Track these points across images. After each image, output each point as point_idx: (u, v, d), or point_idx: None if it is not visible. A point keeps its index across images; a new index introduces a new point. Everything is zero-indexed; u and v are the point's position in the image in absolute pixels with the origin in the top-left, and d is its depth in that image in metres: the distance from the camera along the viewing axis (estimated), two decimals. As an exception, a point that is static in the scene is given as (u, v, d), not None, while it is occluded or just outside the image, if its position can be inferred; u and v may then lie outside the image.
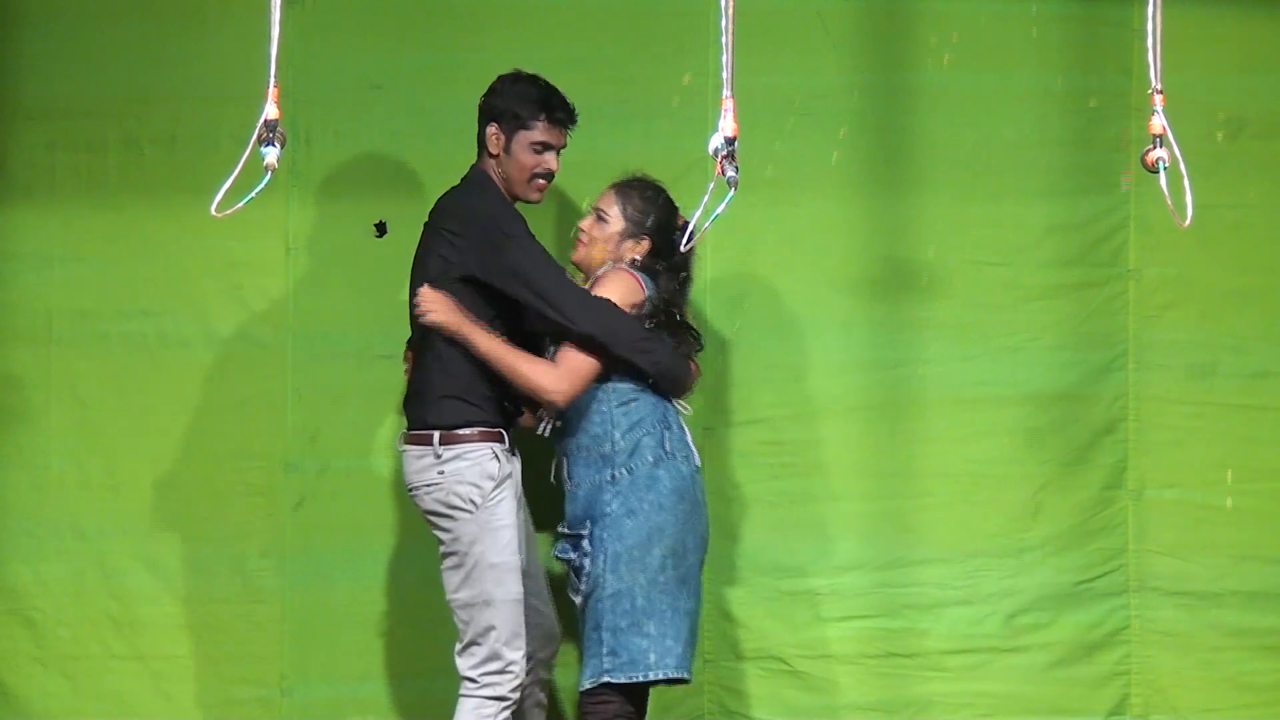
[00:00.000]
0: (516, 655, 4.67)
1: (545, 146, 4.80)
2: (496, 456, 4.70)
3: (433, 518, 4.74)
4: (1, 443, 5.39)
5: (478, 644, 4.67)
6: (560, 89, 4.83)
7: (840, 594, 5.39)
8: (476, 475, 4.68)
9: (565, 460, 4.81)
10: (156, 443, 5.39)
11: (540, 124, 4.79)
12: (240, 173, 3.51)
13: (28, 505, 5.40)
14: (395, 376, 5.22)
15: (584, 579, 4.70)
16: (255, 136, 3.54)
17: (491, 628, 4.66)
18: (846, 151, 5.41)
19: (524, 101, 4.78)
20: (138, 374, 5.39)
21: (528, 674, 4.82)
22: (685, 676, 4.72)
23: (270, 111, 3.55)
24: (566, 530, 4.78)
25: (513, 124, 4.77)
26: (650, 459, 4.69)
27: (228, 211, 3.50)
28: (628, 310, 4.69)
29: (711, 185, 3.57)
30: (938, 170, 5.41)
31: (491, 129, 4.79)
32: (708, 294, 5.27)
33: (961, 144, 5.42)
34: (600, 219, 4.81)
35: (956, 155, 5.42)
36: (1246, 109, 5.46)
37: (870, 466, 5.40)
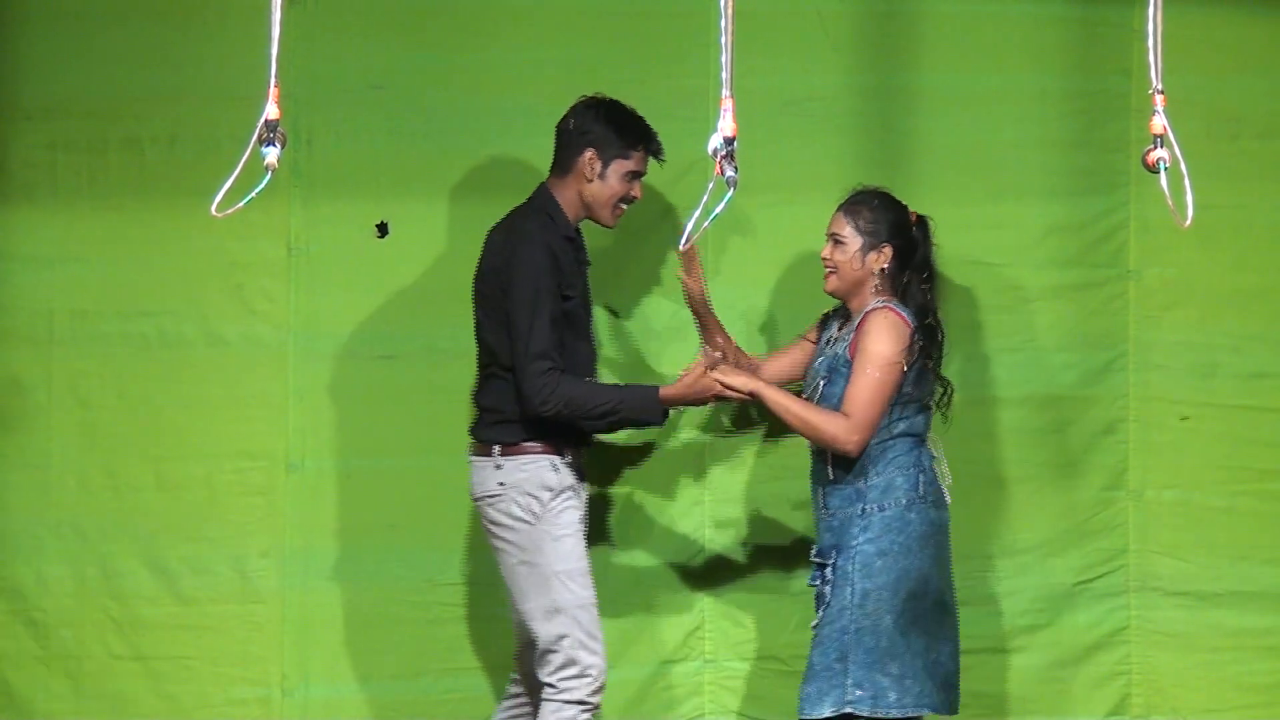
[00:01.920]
0: (593, 659, 4.71)
1: (636, 175, 4.88)
2: (556, 468, 4.76)
3: (495, 528, 4.79)
4: (2, 443, 5.39)
5: (553, 651, 4.71)
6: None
7: (840, 594, 5.39)
8: (535, 486, 4.73)
9: (820, 490, 4.84)
10: (157, 443, 5.39)
11: (639, 154, 4.88)
12: (241, 173, 3.50)
13: (29, 506, 5.39)
14: (395, 377, 5.23)
15: (824, 608, 4.74)
16: (255, 136, 3.54)
17: (564, 635, 4.69)
18: (846, 152, 5.41)
19: (625, 130, 4.86)
20: (139, 374, 5.39)
21: (524, 687, 4.89)
22: (923, 715, 4.74)
23: (271, 111, 3.55)
24: (816, 559, 4.82)
25: (611, 151, 4.84)
26: (904, 501, 4.72)
27: (228, 211, 3.49)
28: (900, 353, 4.69)
29: (711, 185, 3.57)
30: (937, 171, 5.41)
31: (589, 154, 4.83)
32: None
33: (961, 145, 5.42)
34: (838, 243, 4.82)
35: (956, 156, 5.42)
36: (1247, 109, 5.47)
37: (870, 467, 5.41)
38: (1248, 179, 5.45)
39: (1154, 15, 3.73)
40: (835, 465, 4.78)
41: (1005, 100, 5.44)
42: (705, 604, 5.40)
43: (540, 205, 4.87)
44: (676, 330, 5.34)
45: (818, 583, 4.79)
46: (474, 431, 4.86)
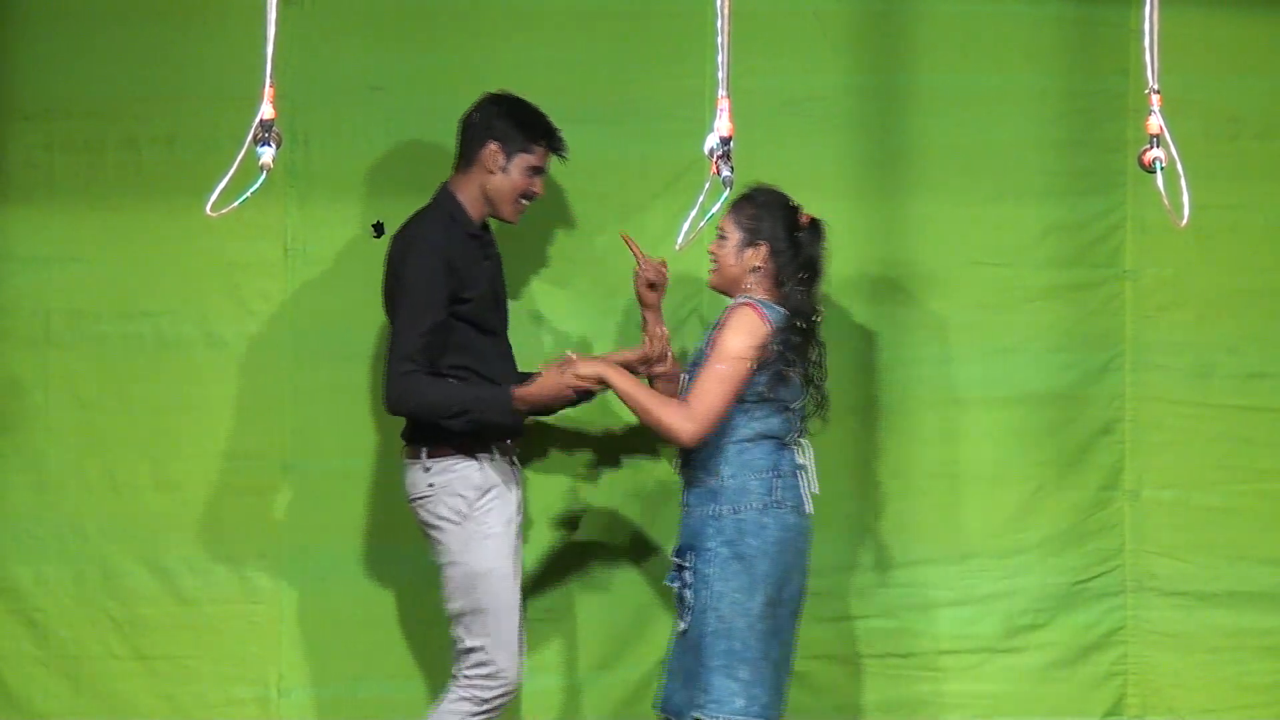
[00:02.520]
0: (508, 664, 4.74)
1: (538, 170, 4.90)
2: (481, 467, 4.78)
3: (427, 529, 4.82)
4: (1, 444, 5.40)
5: (470, 650, 4.75)
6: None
7: (837, 594, 5.39)
8: (462, 486, 4.76)
9: (683, 486, 4.83)
10: (156, 443, 5.40)
11: (541, 149, 4.89)
12: (237, 173, 3.51)
13: (28, 506, 5.40)
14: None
15: (686, 610, 4.73)
16: (250, 136, 3.54)
17: (484, 636, 4.73)
18: (843, 152, 5.42)
19: (528, 125, 4.89)
20: (137, 375, 5.39)
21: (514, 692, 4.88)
22: None
23: (266, 111, 3.55)
24: (675, 558, 4.80)
25: (514, 145, 4.86)
26: (758, 505, 4.69)
27: (223, 211, 3.50)
28: (750, 350, 4.67)
29: (707, 185, 3.58)
30: (935, 171, 5.41)
31: (493, 147, 4.85)
32: (705, 294, 5.27)
33: (958, 145, 5.42)
34: (721, 237, 4.81)
35: (953, 156, 5.42)
36: (1244, 109, 5.46)
37: (867, 467, 5.41)
38: (1245, 179, 5.45)
39: (1150, 15, 3.74)
40: (692, 464, 4.75)
41: (1002, 100, 5.44)
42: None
43: (441, 206, 4.89)
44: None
45: (676, 584, 4.75)
46: (404, 435, 4.88)
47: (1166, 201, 3.69)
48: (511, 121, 4.87)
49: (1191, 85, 5.33)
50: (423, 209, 4.90)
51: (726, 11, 3.59)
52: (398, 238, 4.88)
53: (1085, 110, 5.44)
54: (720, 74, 3.60)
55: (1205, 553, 5.44)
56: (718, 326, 4.73)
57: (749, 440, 4.70)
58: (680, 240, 3.68)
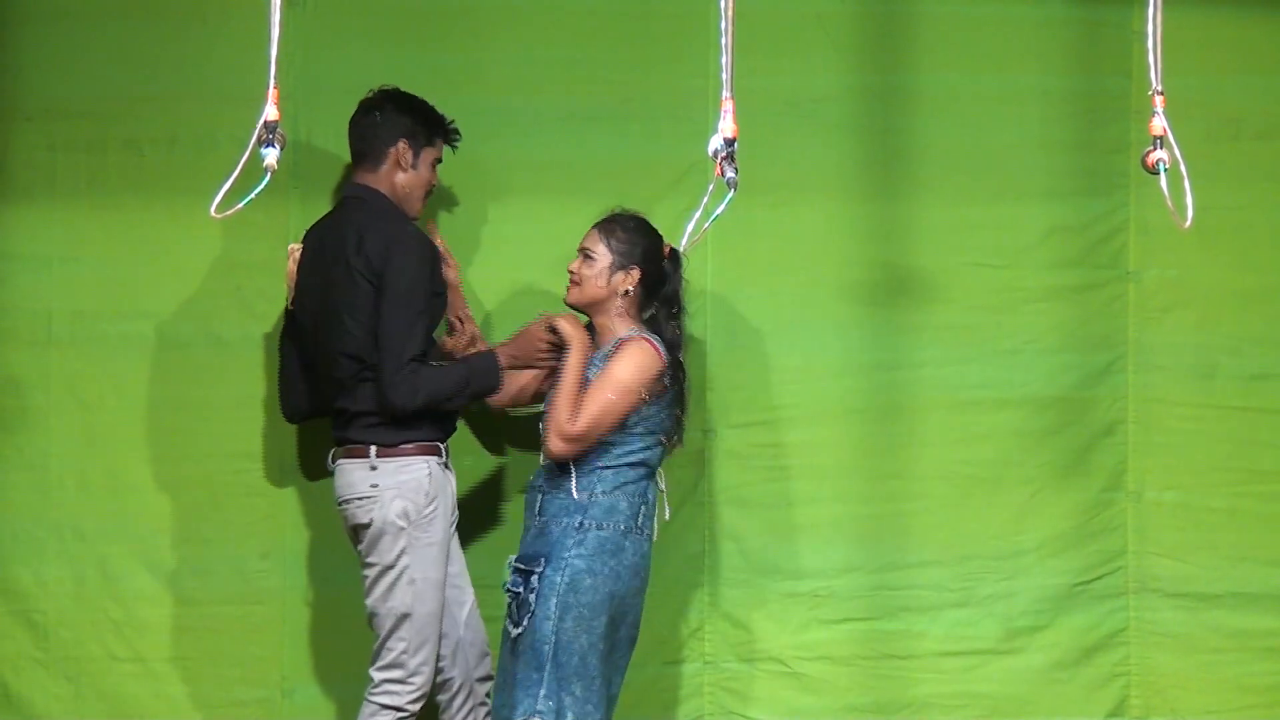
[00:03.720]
0: (422, 669, 4.77)
1: (437, 162, 4.95)
2: (430, 473, 4.78)
3: (361, 531, 4.81)
4: (2, 444, 5.39)
5: (387, 650, 4.78)
6: None
7: (838, 596, 5.39)
8: (411, 490, 4.76)
9: (540, 495, 4.82)
10: (157, 444, 5.39)
11: (440, 141, 4.95)
12: (240, 174, 3.51)
13: (28, 507, 5.39)
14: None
15: (526, 615, 4.70)
16: (255, 138, 3.54)
17: (402, 639, 4.76)
18: (846, 153, 5.41)
19: (429, 119, 4.93)
20: (138, 375, 5.38)
21: (464, 695, 4.92)
22: None
23: (270, 113, 3.55)
24: (519, 564, 4.78)
25: (420, 140, 4.89)
26: (623, 527, 4.73)
27: (227, 213, 3.50)
28: (642, 384, 4.71)
29: (711, 186, 3.58)
30: (937, 172, 5.41)
31: (403, 144, 4.87)
32: (707, 296, 5.27)
33: (961, 146, 5.42)
34: (588, 258, 4.84)
35: (956, 157, 5.42)
36: (1246, 110, 5.47)
37: (869, 469, 5.41)
38: (1248, 180, 5.45)
39: (1154, 16, 3.74)
40: (563, 475, 4.76)
41: (1005, 101, 5.44)
42: (705, 604, 5.40)
43: (379, 203, 4.87)
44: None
45: (520, 589, 4.73)
46: (346, 434, 4.86)
47: (1170, 203, 3.69)
48: (416, 118, 4.90)
49: (1192, 86, 5.33)
50: (367, 208, 4.86)
51: (730, 12, 3.59)
52: (367, 237, 4.80)
53: (1087, 111, 5.44)
54: (724, 75, 3.60)
55: (1208, 554, 5.44)
56: (609, 357, 4.77)
57: (629, 466, 4.76)
58: (684, 241, 3.68)
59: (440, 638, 4.86)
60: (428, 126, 4.91)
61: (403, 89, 4.96)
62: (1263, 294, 5.47)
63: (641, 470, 4.78)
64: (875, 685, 5.41)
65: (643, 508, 4.77)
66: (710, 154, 3.60)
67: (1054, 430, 5.43)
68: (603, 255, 4.82)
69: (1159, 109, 3.72)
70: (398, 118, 4.89)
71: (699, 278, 5.17)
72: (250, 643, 5.38)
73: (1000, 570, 5.43)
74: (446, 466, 4.88)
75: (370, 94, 4.98)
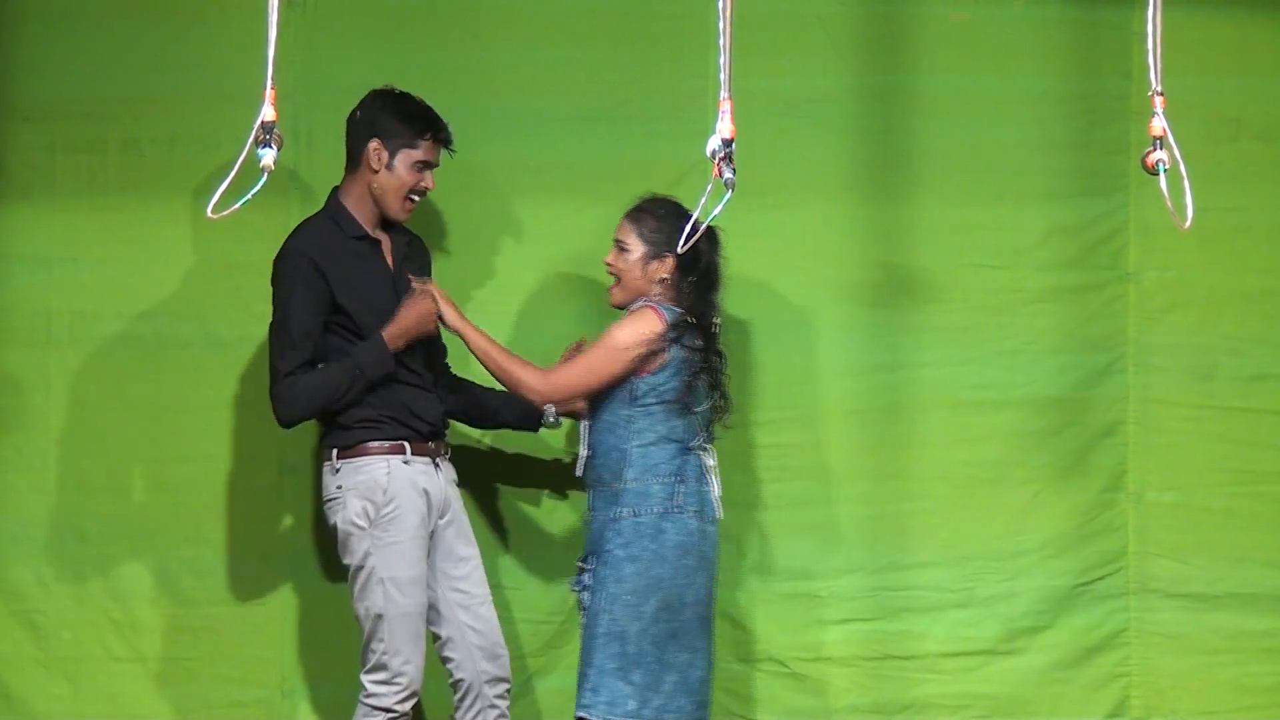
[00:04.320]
0: (406, 668, 4.76)
1: (426, 165, 4.84)
2: (390, 471, 4.77)
3: (336, 531, 4.82)
4: (1, 444, 5.39)
5: (370, 652, 4.79)
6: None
7: (839, 597, 5.39)
8: (369, 489, 4.75)
9: (589, 490, 4.85)
10: (157, 444, 5.39)
11: (425, 143, 4.83)
12: (238, 174, 3.50)
13: (28, 507, 5.39)
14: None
15: (584, 612, 4.77)
16: (252, 138, 3.54)
17: (381, 639, 4.76)
18: (845, 154, 5.41)
19: (409, 119, 4.83)
20: (137, 376, 5.38)
21: (472, 697, 4.90)
22: None
23: (267, 113, 3.54)
24: (579, 564, 4.84)
25: (397, 141, 4.80)
26: (658, 509, 4.72)
27: (224, 213, 3.49)
28: (636, 344, 4.69)
29: (709, 187, 3.57)
30: (937, 173, 5.41)
31: (374, 144, 4.80)
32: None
33: (961, 147, 5.42)
34: (622, 250, 4.82)
35: (956, 158, 5.42)
36: (1246, 111, 5.46)
37: (870, 470, 5.41)
38: (1247, 181, 5.45)
39: (1153, 17, 3.73)
40: (596, 467, 4.78)
41: (1005, 102, 5.44)
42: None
43: (325, 212, 4.86)
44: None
45: (578, 589, 4.78)
46: (320, 440, 4.89)
47: (1169, 203, 3.68)
48: (393, 116, 4.81)
49: (1192, 87, 5.32)
50: (306, 218, 4.89)
51: (729, 13, 3.59)
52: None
53: (1087, 112, 5.44)
54: (722, 75, 3.60)
55: (1208, 555, 5.44)
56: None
57: (652, 443, 4.73)
58: (682, 243, 3.68)
59: (437, 635, 4.86)
60: (409, 126, 4.81)
61: (398, 88, 4.91)
62: (1262, 294, 5.46)
63: (670, 447, 4.75)
64: (876, 686, 5.41)
65: (679, 487, 4.74)
66: (708, 155, 3.59)
67: (1054, 431, 5.43)
68: (635, 246, 4.80)
69: (1159, 110, 3.71)
70: (373, 116, 4.82)
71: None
72: (250, 643, 5.38)
73: (1001, 571, 5.43)
74: (435, 465, 4.86)
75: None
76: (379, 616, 4.75)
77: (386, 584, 4.74)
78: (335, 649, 5.36)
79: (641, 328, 4.72)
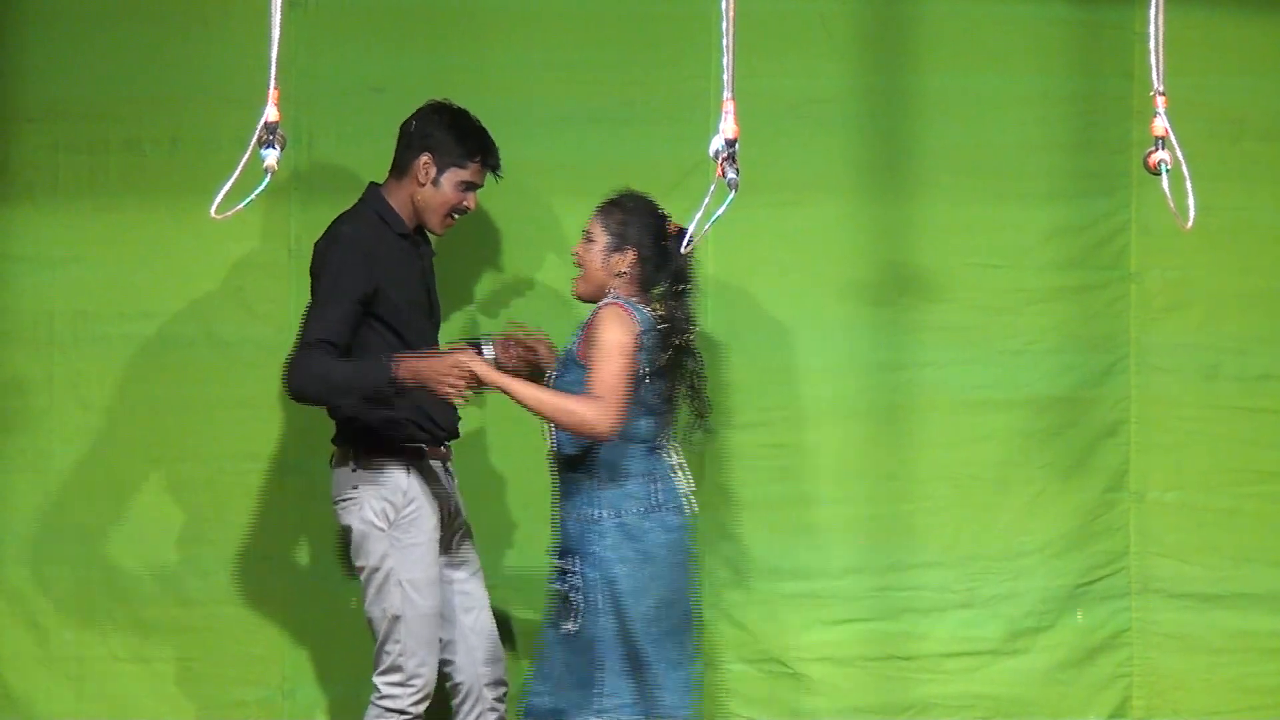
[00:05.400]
0: (421, 670, 4.76)
1: (471, 186, 4.85)
2: (409, 474, 4.77)
3: (348, 533, 4.81)
4: (4, 445, 5.40)
5: (385, 654, 4.77)
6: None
7: (840, 597, 5.39)
8: (389, 492, 4.75)
9: (557, 484, 4.81)
10: (158, 444, 5.40)
11: (475, 165, 4.83)
12: (241, 175, 3.50)
13: (30, 507, 5.40)
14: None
15: (575, 614, 4.70)
16: (255, 139, 3.54)
17: (397, 641, 4.75)
18: (848, 154, 5.42)
19: (464, 139, 4.82)
20: (140, 376, 5.39)
21: (471, 701, 4.91)
22: None
23: (270, 114, 3.55)
24: (556, 561, 4.79)
25: (448, 159, 4.80)
26: (638, 509, 4.70)
27: (227, 214, 3.49)
28: (629, 342, 4.65)
29: (712, 187, 3.57)
30: (939, 173, 5.41)
31: (424, 159, 4.80)
32: (709, 297, 5.27)
33: (963, 147, 5.42)
34: (587, 240, 4.80)
35: (958, 158, 5.42)
36: (1248, 111, 5.47)
37: (871, 469, 5.41)
38: (1250, 181, 5.45)
39: (1155, 17, 3.73)
40: (568, 466, 4.75)
41: (1007, 102, 5.44)
42: (706, 605, 5.40)
43: (369, 206, 4.84)
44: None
45: (562, 587, 4.74)
46: (335, 437, 4.86)
47: (1172, 203, 3.69)
48: (449, 134, 4.81)
49: (1194, 87, 5.32)
50: (347, 210, 4.86)
51: (732, 14, 3.59)
52: (321, 237, 4.81)
53: (1089, 112, 5.44)
54: (725, 76, 3.60)
55: (1210, 555, 5.44)
56: (588, 326, 4.72)
57: (627, 443, 4.69)
58: (684, 244, 3.67)
59: (439, 638, 4.85)
60: (462, 145, 4.81)
61: (455, 103, 4.87)
62: (1265, 295, 5.47)
63: (642, 447, 4.73)
64: (878, 686, 5.41)
65: (653, 485, 4.72)
66: (711, 155, 3.59)
67: (1056, 431, 5.43)
68: (599, 237, 4.77)
69: (1161, 110, 3.71)
70: (429, 129, 4.81)
71: (700, 278, 5.16)
72: (252, 644, 5.39)
73: (1003, 571, 5.43)
74: (446, 470, 4.88)
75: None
76: (396, 618, 4.74)
77: (405, 586, 4.74)
78: (336, 649, 5.37)
79: (627, 325, 4.68)
